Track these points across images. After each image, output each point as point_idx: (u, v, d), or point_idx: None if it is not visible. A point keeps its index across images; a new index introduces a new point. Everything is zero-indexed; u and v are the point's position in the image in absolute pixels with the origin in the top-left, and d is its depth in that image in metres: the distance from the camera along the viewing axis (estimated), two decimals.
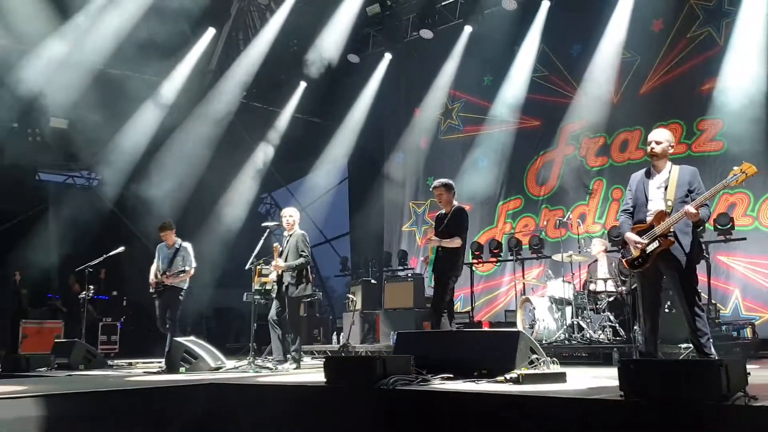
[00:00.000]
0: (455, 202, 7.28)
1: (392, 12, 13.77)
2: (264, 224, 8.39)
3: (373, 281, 12.58)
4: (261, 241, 8.09)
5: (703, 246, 8.22)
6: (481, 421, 4.18)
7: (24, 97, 11.54)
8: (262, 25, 14.54)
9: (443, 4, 13.35)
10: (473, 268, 12.15)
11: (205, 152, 13.75)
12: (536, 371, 5.05)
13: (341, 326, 11.85)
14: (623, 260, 5.62)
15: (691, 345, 5.36)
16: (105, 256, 9.65)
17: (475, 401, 4.38)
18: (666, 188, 5.30)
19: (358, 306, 11.59)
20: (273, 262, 7.93)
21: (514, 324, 9.52)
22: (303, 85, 14.82)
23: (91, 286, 9.94)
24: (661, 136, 5.44)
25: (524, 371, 4.96)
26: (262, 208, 17.68)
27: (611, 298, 8.68)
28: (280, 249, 7.97)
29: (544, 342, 8.38)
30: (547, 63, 12.79)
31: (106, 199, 13.76)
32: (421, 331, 9.09)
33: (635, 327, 7.15)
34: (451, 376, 5.21)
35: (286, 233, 8.19)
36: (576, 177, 12.15)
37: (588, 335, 8.41)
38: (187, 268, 8.73)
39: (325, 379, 5.19)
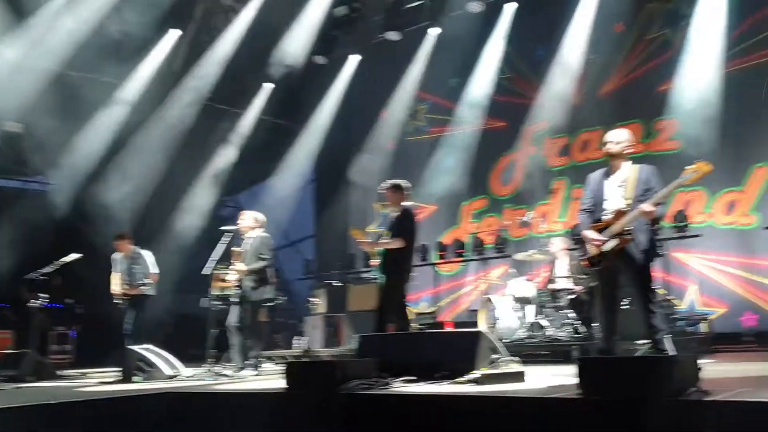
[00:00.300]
0: (405, 203, 7.23)
1: (359, 14, 13.72)
2: (223, 227, 8.23)
3: (337, 284, 12.51)
4: (221, 245, 7.95)
5: (660, 243, 8.33)
6: (441, 423, 4.17)
7: None
8: (226, 26, 14.36)
9: (410, 6, 13.37)
10: (436, 268, 12.18)
11: (167, 155, 13.50)
12: (496, 371, 5.06)
13: (304, 330, 11.75)
14: (582, 258, 5.66)
15: (648, 341, 5.42)
16: (58, 263, 9.34)
17: (435, 403, 4.38)
18: (624, 187, 5.36)
19: (322, 309, 11.51)
20: (233, 267, 7.80)
21: (477, 323, 9.55)
22: (268, 86, 14.69)
23: (44, 295, 9.61)
24: (621, 137, 5.51)
25: (484, 371, 4.96)
26: (224, 211, 17.44)
27: (572, 297, 8.75)
28: (240, 252, 7.85)
29: (506, 341, 8.42)
30: (512, 65, 12.91)
31: (61, 204, 13.43)
32: (384, 334, 9.04)
33: (595, 324, 7.21)
34: (414, 378, 5.20)
35: (246, 236, 8.07)
36: (538, 177, 12.25)
37: (549, 333, 8.46)
38: (145, 280, 8.60)
39: (285, 385, 5.12)
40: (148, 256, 9.00)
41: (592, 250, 5.38)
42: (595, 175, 5.63)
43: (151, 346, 8.13)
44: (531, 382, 5.01)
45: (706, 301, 10.19)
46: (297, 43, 13.39)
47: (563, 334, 8.46)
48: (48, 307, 11.10)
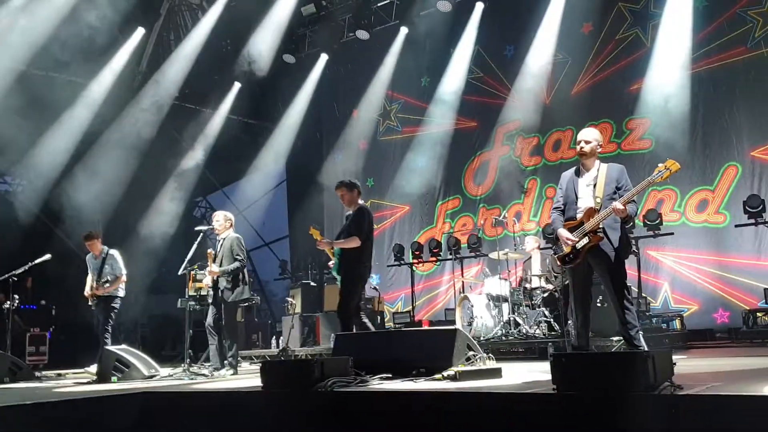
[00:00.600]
0: (360, 201, 7.23)
1: (327, 12, 13.72)
2: (197, 228, 8.19)
3: (313, 284, 12.49)
4: (194, 246, 7.92)
5: (633, 241, 8.46)
6: (418, 419, 4.19)
7: None
8: (193, 24, 14.24)
9: (379, 5, 13.37)
10: (413, 267, 12.23)
11: (136, 155, 13.32)
12: (473, 368, 5.10)
13: (281, 330, 11.73)
14: (555, 257, 5.73)
15: (622, 338, 5.50)
16: (30, 264, 9.23)
17: (412, 400, 4.40)
18: (595, 186, 5.42)
19: (298, 309, 11.50)
20: (207, 268, 7.76)
21: (453, 322, 9.61)
22: (237, 85, 14.57)
23: (16, 296, 9.51)
24: (590, 136, 5.57)
25: (461, 368, 5.00)
26: (197, 211, 17.33)
27: (545, 294, 8.85)
28: (214, 254, 7.81)
29: (482, 339, 8.50)
30: (482, 64, 12.98)
31: (31, 204, 13.22)
32: (361, 332, 9.05)
33: (569, 321, 7.29)
34: (390, 375, 5.21)
35: (219, 237, 8.02)
36: (511, 176, 12.33)
37: (524, 331, 8.56)
38: (117, 275, 8.57)
39: (261, 384, 5.12)
40: (117, 256, 8.91)
41: (565, 249, 5.44)
42: (566, 175, 5.69)
43: (127, 347, 8.11)
44: (507, 378, 5.07)
45: (678, 299, 10.36)
46: (265, 41, 13.32)
47: (538, 331, 8.56)
48: (22, 309, 10.98)
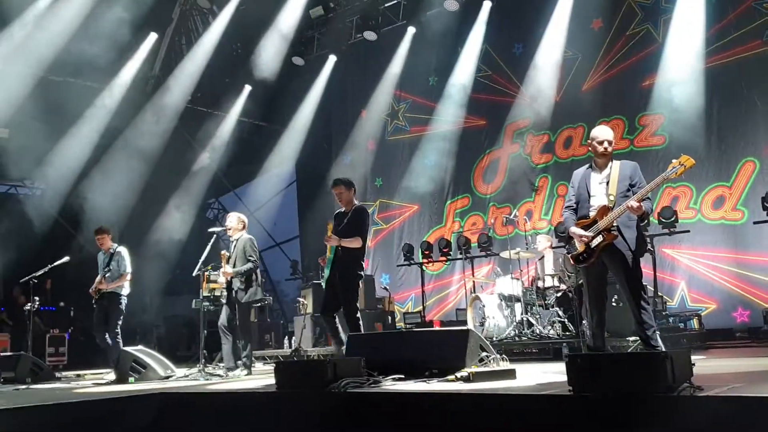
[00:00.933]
0: (356, 201, 7.22)
1: (335, 14, 13.73)
2: (210, 230, 8.24)
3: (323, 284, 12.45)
4: (208, 247, 7.95)
5: (648, 239, 8.39)
6: (432, 420, 4.16)
7: None
8: (204, 28, 14.32)
9: (386, 5, 13.37)
10: (423, 267, 12.20)
11: (150, 158, 13.45)
12: (486, 369, 5.06)
13: (293, 330, 11.73)
14: (568, 256, 5.67)
15: (638, 338, 5.44)
16: (50, 266, 9.32)
17: (426, 401, 4.37)
18: (608, 183, 5.37)
19: (310, 309, 11.48)
20: (221, 269, 7.79)
21: (464, 322, 9.56)
22: (248, 88, 14.66)
23: (37, 298, 9.60)
24: (612, 136, 5.52)
25: (474, 369, 4.96)
26: (209, 213, 17.43)
27: (559, 294, 8.79)
28: (228, 255, 7.84)
29: (494, 339, 8.45)
30: (491, 63, 12.95)
31: (49, 207, 13.37)
32: (372, 333, 9.05)
33: (583, 321, 7.24)
34: (403, 376, 5.19)
35: (232, 238, 8.05)
36: (522, 174, 12.30)
37: (537, 331, 8.49)
38: (122, 272, 8.56)
39: (275, 385, 5.11)
40: (125, 254, 8.88)
41: (578, 247, 5.39)
42: (579, 172, 5.64)
43: (143, 347, 8.14)
44: (521, 379, 5.02)
45: (696, 297, 10.26)
46: (274, 44, 13.38)
47: (552, 331, 8.50)
48: (42, 310, 11.10)
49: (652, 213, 7.66)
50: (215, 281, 8.02)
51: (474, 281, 10.91)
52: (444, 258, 12.19)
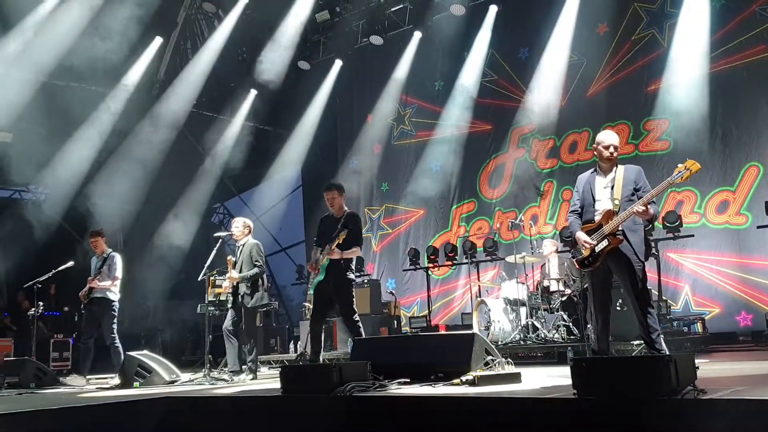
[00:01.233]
0: (345, 207, 7.21)
1: (341, 18, 13.76)
2: (216, 234, 8.26)
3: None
4: (213, 252, 7.98)
5: (652, 243, 8.38)
6: (438, 424, 4.18)
7: None
8: (210, 33, 14.36)
9: (392, 10, 13.39)
10: (429, 272, 12.20)
11: (155, 162, 13.49)
12: (491, 372, 5.08)
13: (298, 335, 11.73)
14: (573, 260, 5.69)
15: (643, 342, 5.44)
16: (54, 271, 9.35)
17: (432, 405, 4.39)
18: (612, 187, 5.38)
19: None
20: (227, 274, 7.81)
21: (470, 326, 9.57)
22: (253, 92, 14.68)
23: (41, 303, 9.63)
24: (618, 140, 5.53)
25: (480, 373, 4.98)
26: (215, 217, 17.44)
27: (564, 298, 8.80)
28: (234, 260, 7.87)
29: (499, 343, 8.46)
30: (496, 67, 12.96)
31: (53, 212, 13.41)
32: (378, 337, 9.07)
33: (588, 325, 7.24)
34: (408, 380, 5.21)
35: (238, 243, 8.07)
36: (527, 179, 12.30)
37: (542, 335, 8.51)
38: (112, 276, 8.53)
39: (281, 389, 5.13)
40: (118, 259, 8.86)
41: (583, 252, 5.40)
42: (583, 177, 5.65)
43: (148, 352, 8.17)
44: (526, 383, 5.04)
45: (700, 301, 10.25)
46: (280, 48, 13.42)
47: (557, 335, 8.51)
48: (46, 315, 11.12)
49: (658, 217, 7.66)
50: (220, 286, 8.04)
51: (479, 285, 10.92)
52: (450, 262, 12.18)
